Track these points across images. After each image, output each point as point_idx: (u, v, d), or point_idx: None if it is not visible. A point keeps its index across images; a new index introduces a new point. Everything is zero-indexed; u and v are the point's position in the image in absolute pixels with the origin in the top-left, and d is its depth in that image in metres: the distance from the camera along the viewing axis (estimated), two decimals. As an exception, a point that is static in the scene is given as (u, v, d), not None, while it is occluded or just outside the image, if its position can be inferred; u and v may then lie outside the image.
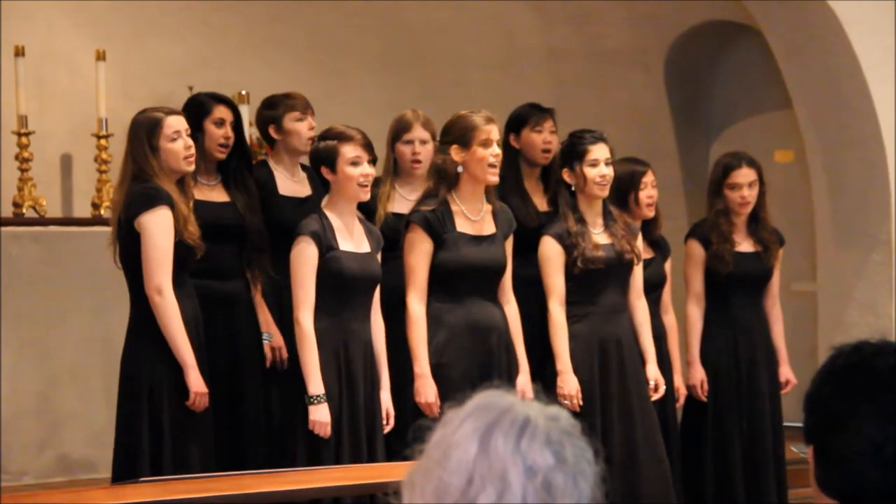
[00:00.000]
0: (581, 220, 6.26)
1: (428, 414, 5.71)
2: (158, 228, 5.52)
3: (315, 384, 5.56)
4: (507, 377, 5.87)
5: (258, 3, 9.31)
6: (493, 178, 5.95)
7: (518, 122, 6.91)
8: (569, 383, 6.11)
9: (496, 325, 5.96)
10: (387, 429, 5.77)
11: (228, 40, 9.28)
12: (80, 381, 7.74)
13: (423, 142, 6.39)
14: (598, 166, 6.23)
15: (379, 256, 5.86)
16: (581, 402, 6.07)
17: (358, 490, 5.29)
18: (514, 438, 1.90)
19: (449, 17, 9.80)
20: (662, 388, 6.45)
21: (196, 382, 5.54)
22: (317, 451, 5.58)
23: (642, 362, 6.41)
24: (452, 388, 5.68)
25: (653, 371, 6.42)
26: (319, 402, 5.55)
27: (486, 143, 5.87)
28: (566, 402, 6.00)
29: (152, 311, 5.53)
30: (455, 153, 5.89)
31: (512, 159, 6.83)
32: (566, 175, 6.29)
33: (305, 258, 5.63)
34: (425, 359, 5.80)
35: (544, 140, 6.83)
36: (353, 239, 5.76)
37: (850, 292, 8.33)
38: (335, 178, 5.74)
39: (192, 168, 5.80)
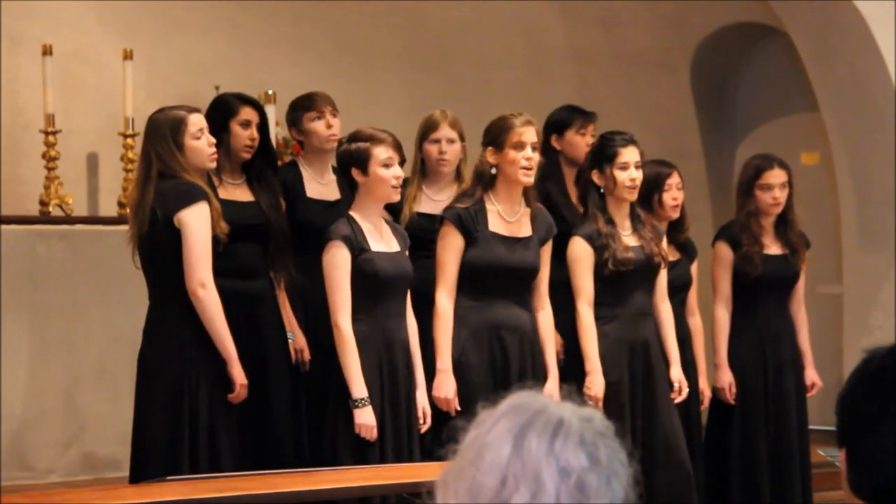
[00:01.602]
0: (610, 222, 6.26)
1: (443, 409, 5.73)
2: (200, 224, 5.54)
3: (358, 387, 5.56)
4: (531, 380, 5.85)
5: (284, 2, 9.32)
6: (527, 180, 5.97)
7: (561, 124, 6.94)
8: (597, 384, 6.11)
9: (519, 328, 5.96)
10: (423, 428, 5.77)
11: (255, 39, 9.30)
12: (106, 380, 7.76)
13: (450, 141, 6.40)
14: (628, 170, 6.22)
15: (408, 255, 5.87)
16: (605, 403, 6.06)
17: (389, 490, 5.30)
18: (548, 439, 1.90)
19: (473, 17, 9.81)
20: (686, 391, 6.44)
21: (239, 375, 5.60)
22: (362, 453, 5.57)
23: (666, 364, 6.41)
24: (472, 387, 5.71)
25: (676, 373, 6.42)
26: (364, 406, 5.55)
27: (519, 146, 5.88)
28: (592, 402, 5.98)
29: (175, 308, 5.54)
30: (489, 155, 5.94)
31: (553, 160, 6.86)
32: (595, 177, 6.28)
33: (338, 262, 5.63)
34: (448, 355, 5.82)
35: (587, 143, 6.84)
36: (383, 239, 5.76)
37: (875, 295, 8.33)
38: (366, 180, 5.72)
39: (214, 165, 5.84)
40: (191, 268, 5.52)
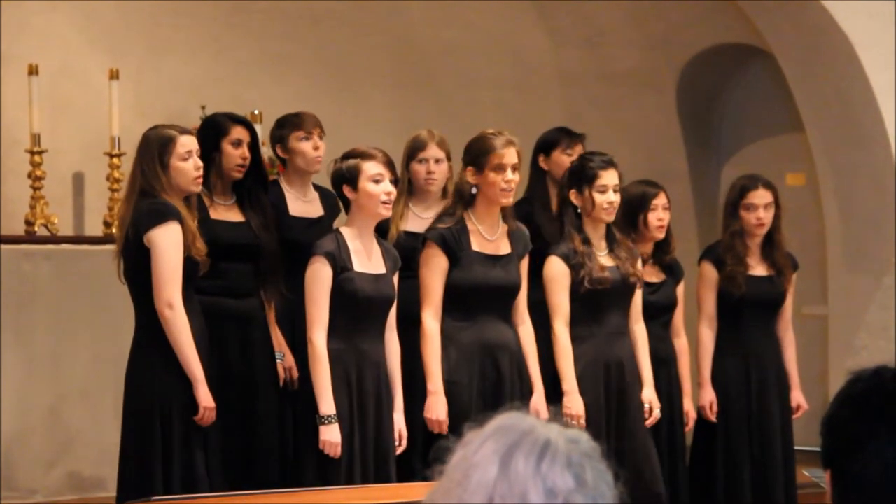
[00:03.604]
0: (587, 242, 6.26)
1: (436, 431, 5.71)
2: (169, 243, 5.53)
3: (326, 404, 5.56)
4: (519, 398, 5.86)
5: (271, 22, 9.34)
6: (506, 201, 5.98)
7: (549, 144, 7.02)
8: (576, 403, 6.10)
9: (507, 346, 5.97)
10: (399, 450, 5.77)
11: (241, 59, 9.31)
12: (90, 399, 7.74)
13: (438, 161, 6.40)
14: (607, 193, 6.22)
15: (396, 278, 5.85)
16: (586, 423, 6.06)
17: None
18: (535, 460, 1.90)
19: (461, 37, 9.83)
20: (657, 413, 6.41)
21: (205, 397, 5.54)
22: (327, 472, 5.57)
23: (640, 385, 6.40)
24: (462, 407, 5.70)
25: (648, 394, 6.41)
26: (330, 423, 5.55)
27: (499, 168, 5.88)
28: (573, 422, 5.97)
29: (159, 327, 5.52)
30: (469, 175, 5.94)
31: (540, 180, 6.91)
32: (573, 196, 6.28)
33: (319, 278, 5.63)
34: (438, 376, 5.80)
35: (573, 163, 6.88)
36: (370, 260, 5.75)
37: (861, 316, 8.33)
38: (356, 196, 5.73)
39: (198, 189, 5.82)
40: (158, 288, 5.52)
